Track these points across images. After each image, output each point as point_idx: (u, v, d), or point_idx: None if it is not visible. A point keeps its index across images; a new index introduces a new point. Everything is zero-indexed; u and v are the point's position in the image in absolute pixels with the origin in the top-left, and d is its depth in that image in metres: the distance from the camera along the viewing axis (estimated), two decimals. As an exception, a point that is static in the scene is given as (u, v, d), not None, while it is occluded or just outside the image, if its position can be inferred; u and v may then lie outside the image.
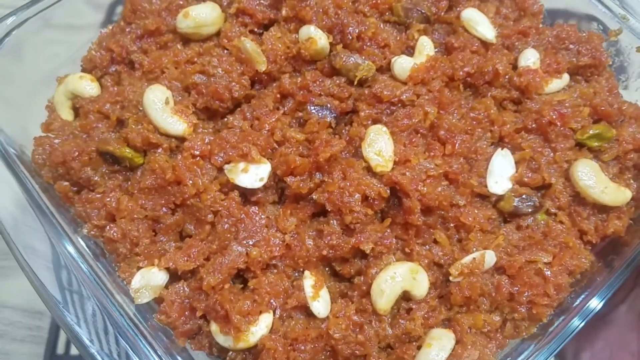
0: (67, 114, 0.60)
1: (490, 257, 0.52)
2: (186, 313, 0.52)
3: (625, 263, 0.53)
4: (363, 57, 0.57)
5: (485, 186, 0.56)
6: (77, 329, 0.48)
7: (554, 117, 0.56)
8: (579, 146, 0.58)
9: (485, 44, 0.60)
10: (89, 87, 0.59)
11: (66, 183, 0.55)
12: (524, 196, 0.55)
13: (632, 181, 0.58)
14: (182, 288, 0.53)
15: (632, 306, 0.58)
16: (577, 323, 0.51)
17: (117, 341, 0.50)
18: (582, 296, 0.53)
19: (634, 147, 0.57)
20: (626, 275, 0.52)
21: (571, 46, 0.62)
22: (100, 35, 0.62)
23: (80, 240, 0.53)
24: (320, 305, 0.51)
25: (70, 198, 0.56)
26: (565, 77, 0.62)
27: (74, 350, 0.84)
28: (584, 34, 0.63)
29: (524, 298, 0.51)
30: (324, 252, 0.52)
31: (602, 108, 0.58)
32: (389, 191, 0.53)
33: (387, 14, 0.61)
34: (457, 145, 0.54)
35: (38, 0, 0.62)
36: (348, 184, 0.51)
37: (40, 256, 0.51)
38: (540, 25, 0.67)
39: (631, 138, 0.57)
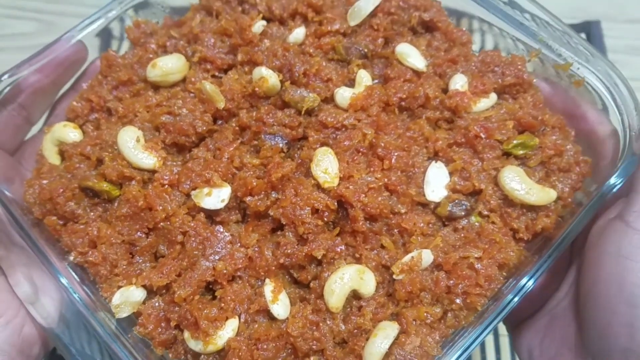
0: (54, 159, 0.67)
1: (427, 256, 0.58)
2: (162, 324, 0.58)
3: (552, 246, 0.59)
4: (308, 91, 0.65)
5: (424, 195, 0.62)
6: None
7: (479, 130, 0.64)
8: (507, 155, 0.65)
9: (417, 73, 0.68)
10: (72, 133, 0.67)
11: (54, 217, 0.62)
12: (456, 201, 0.62)
13: (557, 183, 0.64)
14: (157, 302, 0.59)
15: (570, 296, 0.63)
16: (509, 298, 0.57)
17: None
18: (513, 282, 0.59)
19: (556, 152, 0.64)
20: (555, 255, 0.58)
21: (496, 69, 0.70)
22: (81, 90, 0.70)
23: (68, 267, 0.60)
24: (280, 308, 0.57)
25: (58, 230, 0.62)
26: (493, 96, 0.69)
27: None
28: (508, 57, 0.71)
29: (459, 290, 0.57)
30: (281, 261, 0.58)
31: (525, 120, 0.65)
32: (336, 204, 0.60)
33: (330, 53, 0.70)
34: (393, 160, 0.62)
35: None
36: (299, 199, 0.59)
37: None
38: (473, 51, 0.75)
39: (552, 144, 0.64)
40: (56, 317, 0.56)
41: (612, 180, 0.61)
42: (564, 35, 0.69)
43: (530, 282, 0.56)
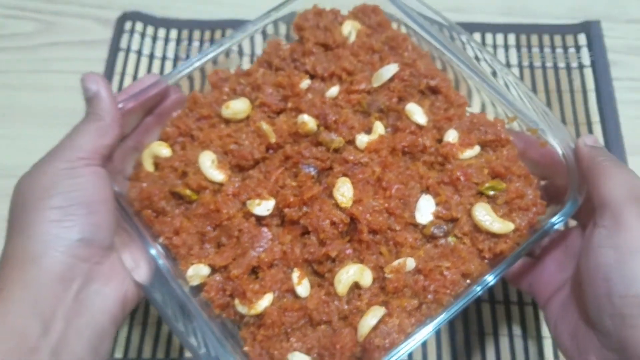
0: (149, 167, 0.90)
1: (411, 262, 0.78)
2: (220, 292, 0.80)
3: (503, 263, 0.77)
4: (337, 135, 0.87)
5: (415, 218, 0.82)
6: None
7: (460, 174, 0.85)
8: (480, 194, 0.85)
9: (420, 127, 0.89)
10: (164, 150, 0.90)
11: (149, 211, 0.86)
12: (437, 225, 0.84)
13: (517, 218, 0.83)
14: (218, 277, 0.80)
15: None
16: (476, 290, 0.76)
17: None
18: (472, 287, 0.79)
19: (517, 196, 0.83)
20: (504, 269, 0.76)
21: (481, 127, 0.90)
22: (172, 118, 0.95)
23: (158, 246, 0.83)
24: (302, 289, 0.78)
25: (152, 221, 0.85)
26: (477, 148, 0.88)
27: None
28: (492, 120, 0.93)
29: (431, 289, 0.78)
30: (306, 256, 0.79)
31: (497, 169, 0.85)
32: (349, 219, 0.82)
33: (356, 106, 0.92)
34: (393, 191, 0.82)
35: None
36: (322, 213, 0.80)
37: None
38: (468, 113, 0.97)
39: (515, 189, 0.83)
40: (148, 279, 0.79)
41: (554, 219, 0.81)
42: (539, 109, 0.90)
43: (478, 288, 0.77)
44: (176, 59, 1.16)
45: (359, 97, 0.88)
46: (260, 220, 0.80)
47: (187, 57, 1.16)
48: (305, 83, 0.91)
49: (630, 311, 0.57)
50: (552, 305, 0.75)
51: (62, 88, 1.12)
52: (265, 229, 0.80)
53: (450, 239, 0.83)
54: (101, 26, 1.18)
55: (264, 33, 1.01)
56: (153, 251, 0.81)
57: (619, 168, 0.71)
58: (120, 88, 1.09)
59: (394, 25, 1.02)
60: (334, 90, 0.88)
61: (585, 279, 0.65)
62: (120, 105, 0.81)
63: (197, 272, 0.81)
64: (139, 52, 1.15)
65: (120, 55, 1.14)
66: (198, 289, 0.82)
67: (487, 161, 0.88)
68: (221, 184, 0.85)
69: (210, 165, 0.85)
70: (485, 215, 0.82)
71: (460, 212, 0.83)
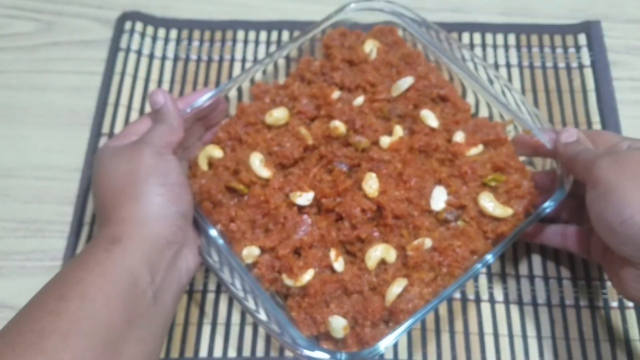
0: (204, 167, 1.04)
1: (428, 242, 0.91)
2: (269, 269, 0.96)
3: (502, 242, 0.90)
4: (363, 137, 1.03)
5: (430, 206, 0.98)
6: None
7: (467, 169, 1.01)
8: (484, 185, 1.02)
9: (432, 129, 1.04)
10: (217, 152, 1.04)
11: (208, 202, 1.02)
12: (449, 211, 1.00)
13: (514, 205, 0.98)
14: (267, 257, 0.96)
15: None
16: (478, 266, 0.88)
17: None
18: (478, 262, 0.95)
19: (515, 186, 0.98)
20: (504, 247, 0.88)
21: (484, 129, 1.06)
22: (221, 124, 1.12)
23: (216, 231, 1.00)
24: (339, 265, 0.91)
25: (210, 211, 1.00)
26: (480, 146, 1.02)
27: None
28: (493, 122, 1.10)
29: (445, 263, 0.93)
30: (341, 238, 0.93)
31: (498, 164, 1.01)
32: (376, 207, 0.98)
33: (378, 112, 1.08)
34: (412, 183, 0.97)
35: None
36: (354, 202, 0.96)
37: None
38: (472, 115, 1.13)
39: (513, 181, 0.98)
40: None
41: (545, 205, 0.93)
42: (530, 111, 1.06)
43: (480, 266, 0.90)
44: (176, 59, 1.15)
45: (381, 105, 0.98)
46: (301, 209, 0.89)
47: (187, 57, 1.16)
48: (336, 94, 1.08)
49: (631, 231, 0.66)
50: (604, 261, 0.84)
51: (62, 88, 1.11)
52: (305, 216, 0.89)
53: (460, 223, 0.90)
54: (101, 26, 1.16)
55: (293, 53, 1.17)
56: (214, 232, 0.97)
57: (588, 152, 0.78)
58: (120, 87, 1.11)
59: (400, 33, 1.18)
60: (359, 100, 0.99)
61: (597, 230, 0.74)
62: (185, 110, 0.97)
63: (250, 252, 0.92)
64: (139, 52, 1.14)
65: (120, 55, 1.13)
66: (250, 267, 0.95)
67: (489, 158, 1.02)
68: (268, 180, 0.92)
69: (259, 164, 1.01)
70: (488, 203, 0.91)
71: (467, 200, 0.89)
